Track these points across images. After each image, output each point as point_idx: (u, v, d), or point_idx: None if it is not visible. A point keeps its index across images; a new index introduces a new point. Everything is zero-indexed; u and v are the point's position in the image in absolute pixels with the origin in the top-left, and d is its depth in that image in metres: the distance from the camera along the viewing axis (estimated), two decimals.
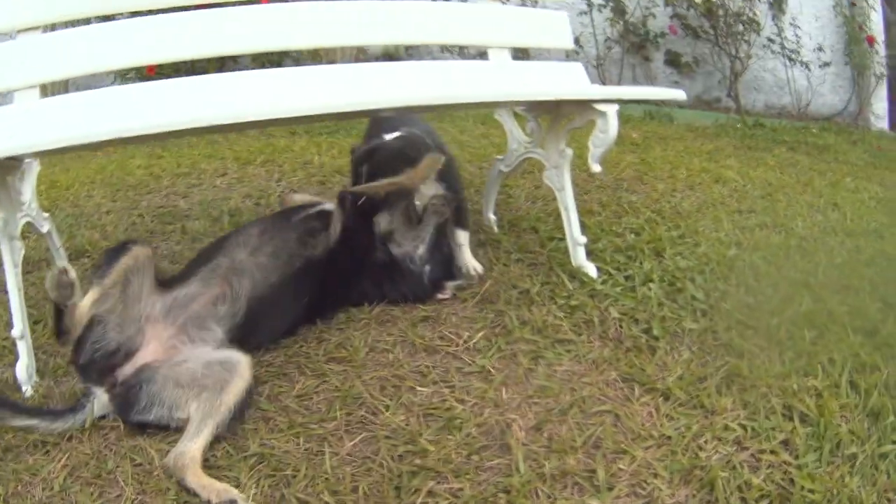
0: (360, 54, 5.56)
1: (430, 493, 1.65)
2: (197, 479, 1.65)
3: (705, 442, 1.83)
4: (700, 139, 5.25)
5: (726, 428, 1.88)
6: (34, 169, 2.50)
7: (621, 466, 1.73)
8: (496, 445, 1.79)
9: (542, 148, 2.67)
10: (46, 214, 2.49)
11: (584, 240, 2.58)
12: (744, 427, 1.90)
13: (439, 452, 1.74)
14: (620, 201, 3.40)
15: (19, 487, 1.70)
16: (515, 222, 3.10)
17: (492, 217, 3.02)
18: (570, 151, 2.59)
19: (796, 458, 1.82)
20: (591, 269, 2.54)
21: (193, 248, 2.92)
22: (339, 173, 3.78)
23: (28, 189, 2.34)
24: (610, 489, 1.67)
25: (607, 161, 3.06)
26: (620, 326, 2.26)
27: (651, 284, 2.50)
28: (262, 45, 2.85)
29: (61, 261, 2.55)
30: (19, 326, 2.02)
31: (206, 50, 2.64)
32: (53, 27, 2.59)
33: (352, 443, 1.78)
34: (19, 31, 2.39)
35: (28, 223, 2.31)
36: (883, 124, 7.05)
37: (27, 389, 2.00)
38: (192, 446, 1.71)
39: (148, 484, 1.68)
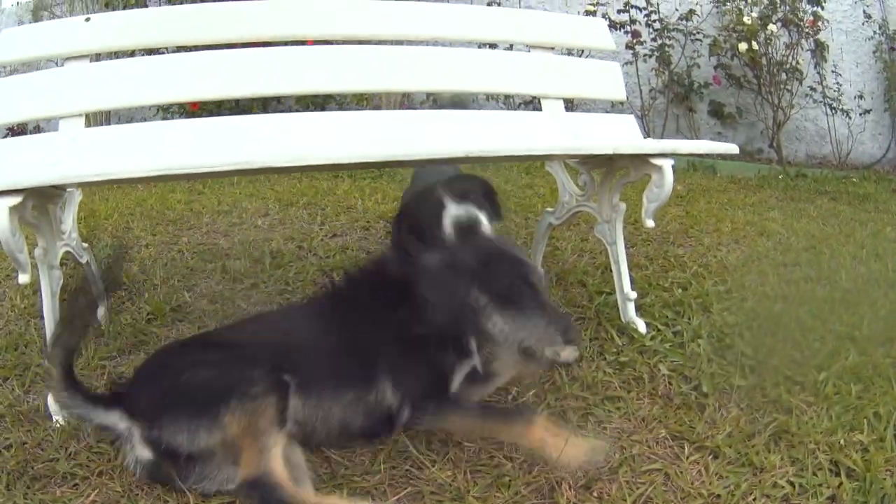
0: (405, 100, 5.61)
1: None
2: None
3: (754, 499, 1.79)
4: (743, 191, 5.24)
5: (775, 485, 1.84)
6: (76, 198, 2.53)
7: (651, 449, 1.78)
8: None
9: (595, 201, 2.65)
10: (86, 245, 2.51)
11: (634, 295, 2.56)
12: (791, 484, 1.87)
13: None
14: (667, 255, 3.38)
15: None
16: (563, 275, 3.08)
17: (540, 271, 3.02)
18: (623, 206, 2.57)
19: None
20: (640, 325, 2.51)
21: (234, 288, 2.95)
22: (382, 218, 3.82)
23: (69, 218, 2.38)
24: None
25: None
26: (670, 383, 2.23)
27: (700, 340, 2.47)
28: (308, 86, 2.86)
29: (97, 289, 2.55)
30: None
31: (251, 89, 2.67)
32: (98, 57, 2.64)
33: (396, 497, 1.74)
34: (66, 60, 2.45)
35: (67, 252, 2.33)
36: None
37: (58, 420, 1.97)
38: None
39: None
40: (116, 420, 1.72)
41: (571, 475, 1.78)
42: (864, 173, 6.59)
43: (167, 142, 2.45)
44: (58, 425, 1.96)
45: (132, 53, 2.73)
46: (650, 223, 2.45)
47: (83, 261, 2.48)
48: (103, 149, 2.36)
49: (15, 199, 1.81)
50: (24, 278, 1.93)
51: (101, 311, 2.53)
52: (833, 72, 6.99)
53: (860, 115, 7.08)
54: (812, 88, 6.87)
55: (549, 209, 2.94)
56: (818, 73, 6.89)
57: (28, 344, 2.44)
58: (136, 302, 2.76)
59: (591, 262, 3.14)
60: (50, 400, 1.97)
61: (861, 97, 7.07)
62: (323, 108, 2.77)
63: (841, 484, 1.86)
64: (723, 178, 5.71)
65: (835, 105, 6.89)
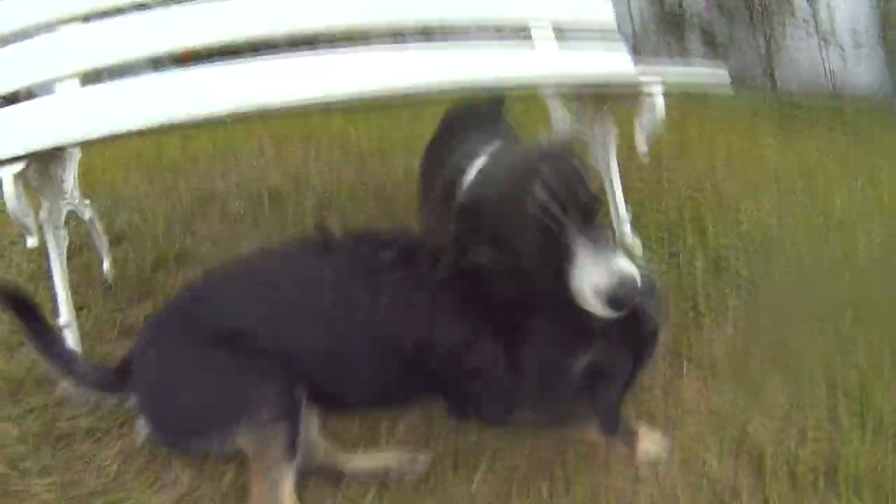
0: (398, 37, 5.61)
1: None
2: None
3: (753, 417, 1.87)
4: (737, 119, 5.25)
5: (773, 404, 1.92)
6: (75, 157, 2.53)
7: (675, 440, 1.77)
8: None
9: (588, 128, 2.69)
10: (87, 201, 2.52)
11: (629, 216, 2.62)
12: (790, 402, 1.93)
13: None
14: (661, 179, 3.39)
15: (75, 475, 1.72)
16: None
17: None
18: (615, 129, 2.60)
19: (841, 434, 1.84)
20: (636, 244, 2.58)
21: (235, 229, 2.97)
22: (378, 152, 3.83)
23: (70, 177, 2.38)
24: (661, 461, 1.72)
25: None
26: (667, 301, 2.28)
27: (696, 261, 2.53)
28: (296, 26, 2.82)
29: (101, 246, 2.59)
30: (66, 316, 2.05)
31: (240, 33, 2.66)
32: (87, 18, 2.62)
33: None
34: (59, 23, 2.43)
35: (70, 211, 2.35)
36: None
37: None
38: None
39: (203, 469, 1.70)
40: (125, 400, 1.71)
41: None
42: (860, 105, 6.54)
43: (165, 92, 2.44)
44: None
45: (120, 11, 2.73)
46: (644, 149, 2.48)
47: (86, 217, 2.50)
48: (102, 106, 2.33)
49: (19, 166, 1.82)
50: (32, 241, 1.95)
51: (105, 266, 2.58)
52: (826, 5, 6.97)
53: (854, 48, 7.06)
54: (805, 21, 6.84)
55: (545, 135, 2.97)
56: (810, 6, 6.85)
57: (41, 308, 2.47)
58: (140, 252, 2.77)
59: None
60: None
61: (854, 31, 7.05)
62: (314, 47, 2.74)
63: (838, 405, 1.92)
64: (716, 105, 5.67)
65: (828, 37, 6.86)
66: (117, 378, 1.69)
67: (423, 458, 1.68)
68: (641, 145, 2.47)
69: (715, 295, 2.34)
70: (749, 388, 1.97)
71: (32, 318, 1.69)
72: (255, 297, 1.70)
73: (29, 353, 2.11)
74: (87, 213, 2.49)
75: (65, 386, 1.75)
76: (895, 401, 1.95)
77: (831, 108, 6.25)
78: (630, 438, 1.71)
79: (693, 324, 2.14)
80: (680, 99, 5.72)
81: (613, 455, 1.72)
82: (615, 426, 1.68)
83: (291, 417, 1.55)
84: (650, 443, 1.73)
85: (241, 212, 3.14)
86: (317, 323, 1.66)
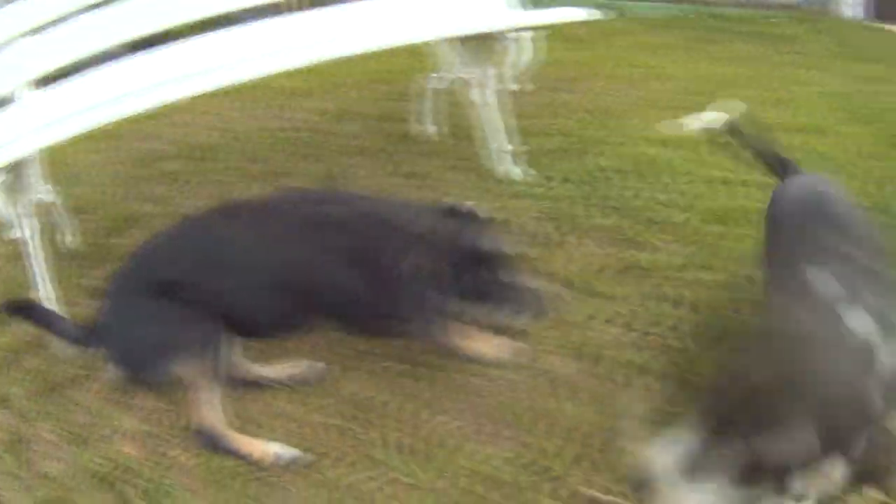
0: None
1: None
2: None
3: (597, 324, 2.23)
4: (650, 32, 5.35)
5: (617, 313, 2.27)
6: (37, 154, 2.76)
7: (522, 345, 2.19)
8: None
9: (468, 68, 3.02)
10: (49, 187, 2.80)
11: (509, 147, 2.95)
12: (634, 312, 2.27)
13: None
14: (555, 102, 3.71)
15: (69, 416, 2.15)
16: (455, 130, 3.47)
17: (432, 128, 3.44)
18: (493, 71, 2.93)
19: (681, 342, 2.15)
20: (516, 173, 2.92)
21: (174, 188, 3.33)
22: (297, 96, 4.07)
23: (35, 170, 2.64)
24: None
25: (550, 60, 3.26)
26: (537, 224, 2.65)
27: (569, 184, 2.89)
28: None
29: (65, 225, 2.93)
30: (44, 289, 2.44)
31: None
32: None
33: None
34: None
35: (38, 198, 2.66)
36: (855, 12, 6.66)
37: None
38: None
39: (161, 396, 2.14)
40: (99, 349, 2.13)
41: None
42: (792, 13, 6.46)
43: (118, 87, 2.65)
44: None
45: None
46: (515, 87, 2.85)
47: (50, 200, 2.81)
48: (66, 109, 2.54)
49: (2, 177, 2.22)
50: (16, 232, 2.35)
51: (68, 238, 2.94)
52: None
53: None
54: None
55: (433, 75, 3.32)
56: None
57: (22, 284, 2.69)
58: (94, 219, 3.14)
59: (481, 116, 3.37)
60: None
61: None
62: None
63: (682, 316, 2.23)
64: (630, 19, 5.73)
65: None
66: (91, 333, 2.13)
67: (321, 366, 2.16)
68: (512, 83, 2.84)
69: (582, 216, 2.71)
70: (600, 300, 2.32)
71: (28, 308, 2.18)
72: (186, 253, 2.15)
73: (17, 326, 2.49)
74: (50, 197, 2.80)
75: (56, 345, 2.27)
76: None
77: (758, 17, 6.18)
78: (484, 340, 2.17)
79: (555, 242, 2.51)
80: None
81: (472, 356, 2.14)
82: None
83: (215, 348, 2.01)
84: (495, 345, 2.16)
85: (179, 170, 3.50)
86: (237, 269, 2.10)
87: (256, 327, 2.16)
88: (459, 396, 2.05)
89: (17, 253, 2.88)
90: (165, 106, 4.29)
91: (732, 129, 1.77)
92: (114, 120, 2.40)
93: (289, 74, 4.39)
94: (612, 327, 2.24)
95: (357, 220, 2.11)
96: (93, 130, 4.15)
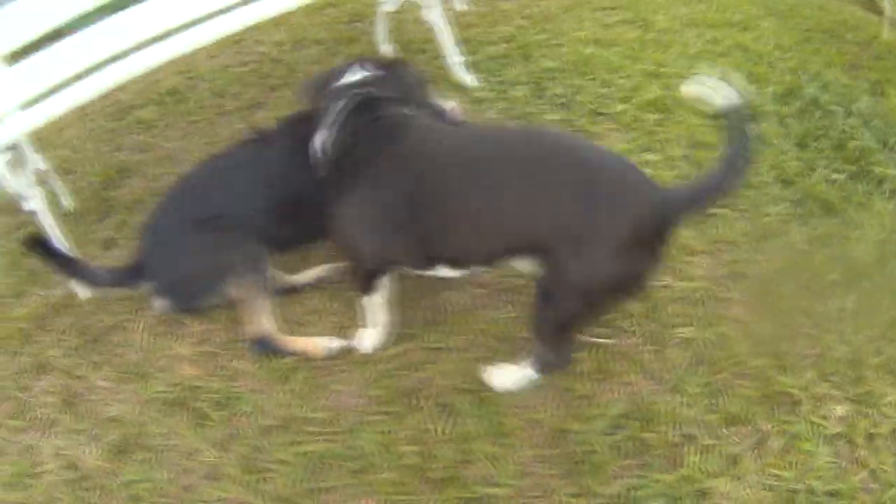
0: None
1: None
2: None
3: None
4: None
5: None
6: None
7: None
8: None
9: None
10: (39, 157, 2.92)
11: (460, 59, 3.27)
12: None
13: None
14: (495, 10, 3.99)
15: (120, 359, 2.44)
16: (407, 45, 3.77)
17: (388, 47, 3.74)
18: None
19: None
20: (469, 80, 3.25)
21: (153, 134, 3.54)
22: (250, 30, 4.06)
23: (27, 144, 2.74)
24: None
25: None
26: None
27: (519, 86, 3.25)
28: None
29: (59, 189, 3.11)
30: (66, 247, 2.63)
31: None
32: None
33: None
34: None
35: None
36: None
37: (85, 294, 2.64)
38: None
39: (210, 318, 2.50)
40: (142, 287, 2.48)
41: None
42: None
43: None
44: (86, 298, 2.67)
45: None
46: (462, 6, 3.18)
47: (43, 168, 2.96)
48: (48, 78, 2.63)
49: (8, 155, 2.42)
50: (30, 205, 2.55)
51: (64, 200, 3.14)
52: None
53: None
54: None
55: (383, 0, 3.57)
56: None
57: (25, 255, 2.79)
58: (85, 177, 3.35)
59: (430, 31, 3.56)
60: (73, 284, 2.64)
61: None
62: None
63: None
64: None
65: None
66: (130, 274, 2.48)
67: (342, 265, 2.56)
68: (459, 3, 3.17)
69: (535, 114, 3.11)
70: None
71: (50, 251, 2.43)
72: (220, 187, 2.50)
73: (33, 295, 2.76)
74: (43, 165, 2.96)
75: (88, 291, 2.54)
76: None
77: None
78: None
79: None
80: None
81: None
82: None
83: (259, 267, 2.40)
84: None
85: (153, 116, 3.68)
86: (263, 194, 2.46)
87: (288, 238, 2.56)
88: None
89: (20, 222, 3.13)
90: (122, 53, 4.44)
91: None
92: (114, 85, 2.65)
93: None
94: None
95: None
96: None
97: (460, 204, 1.81)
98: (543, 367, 2.08)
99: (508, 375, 2.15)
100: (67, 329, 2.60)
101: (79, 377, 2.43)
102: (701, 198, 1.74)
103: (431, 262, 1.98)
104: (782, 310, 2.33)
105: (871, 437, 2.00)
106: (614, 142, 2.98)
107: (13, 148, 2.51)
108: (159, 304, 2.50)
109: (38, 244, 2.41)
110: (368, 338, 2.33)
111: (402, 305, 2.41)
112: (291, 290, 2.55)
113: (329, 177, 2.08)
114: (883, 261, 2.48)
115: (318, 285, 2.55)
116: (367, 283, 2.16)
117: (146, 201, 3.09)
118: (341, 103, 2.05)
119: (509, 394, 2.15)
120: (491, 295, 2.44)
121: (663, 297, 2.37)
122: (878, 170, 2.84)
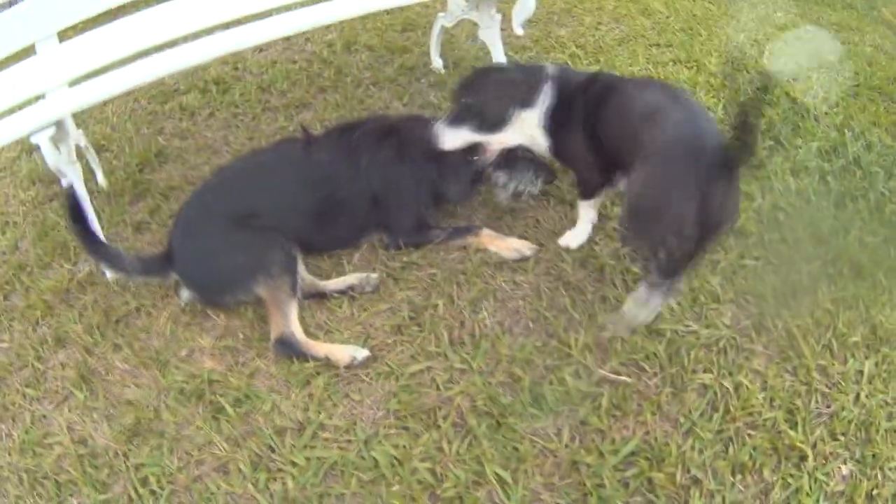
0: None
1: None
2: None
3: (599, 239, 2.74)
4: None
5: (615, 229, 2.74)
6: None
7: (542, 255, 2.69)
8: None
9: (477, 10, 3.40)
10: (80, 132, 3.03)
11: None
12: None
13: None
14: (549, 36, 4.06)
15: (141, 343, 2.50)
16: (458, 62, 3.84)
17: (439, 61, 3.81)
18: (499, 16, 3.32)
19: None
20: None
21: (195, 121, 3.62)
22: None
23: (70, 119, 2.80)
24: (532, 270, 2.64)
25: None
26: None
27: None
28: None
29: (96, 167, 3.19)
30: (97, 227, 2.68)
31: None
32: None
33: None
34: None
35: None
36: None
37: (111, 274, 2.69)
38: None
39: (234, 312, 2.55)
40: (172, 277, 2.55)
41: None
42: None
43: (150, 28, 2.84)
44: (112, 278, 2.71)
45: None
46: (520, 31, 3.24)
47: (83, 145, 3.04)
48: (95, 58, 2.70)
49: (51, 131, 2.47)
50: (66, 182, 2.61)
51: (99, 177, 3.21)
52: None
53: None
54: None
55: (442, 14, 3.66)
56: None
57: (53, 227, 3.07)
58: (122, 157, 3.44)
59: (482, 48, 3.74)
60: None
61: None
62: None
63: None
64: None
65: None
66: (160, 263, 2.54)
67: (375, 276, 2.62)
68: (517, 28, 3.24)
69: None
70: (598, 219, 2.78)
71: (85, 231, 2.48)
72: (258, 185, 2.59)
73: (61, 265, 2.85)
74: (83, 142, 3.05)
75: (116, 277, 2.60)
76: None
77: None
78: (503, 240, 2.70)
79: (560, 169, 2.91)
80: None
81: (497, 264, 2.65)
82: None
83: (291, 268, 2.46)
84: (516, 242, 2.70)
85: (196, 104, 3.76)
86: (304, 197, 2.58)
87: (322, 244, 2.68)
88: (494, 297, 2.56)
89: (39, 199, 3.27)
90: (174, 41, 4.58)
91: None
92: (163, 74, 2.72)
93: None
94: (612, 242, 2.73)
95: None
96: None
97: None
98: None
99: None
100: (91, 306, 2.66)
101: (98, 356, 2.49)
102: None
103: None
104: (800, 365, 2.34)
105: (871, 498, 2.03)
106: None
107: (57, 123, 2.57)
108: (186, 294, 2.56)
109: (77, 221, 2.46)
110: (575, 237, 2.70)
111: (432, 325, 2.47)
112: (320, 296, 2.59)
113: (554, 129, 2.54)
114: None
115: (347, 293, 2.59)
116: (589, 190, 2.61)
117: (182, 188, 3.16)
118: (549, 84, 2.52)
119: (525, 421, 2.18)
120: (520, 322, 2.47)
121: (687, 341, 2.38)
122: None
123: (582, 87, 2.49)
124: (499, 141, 2.61)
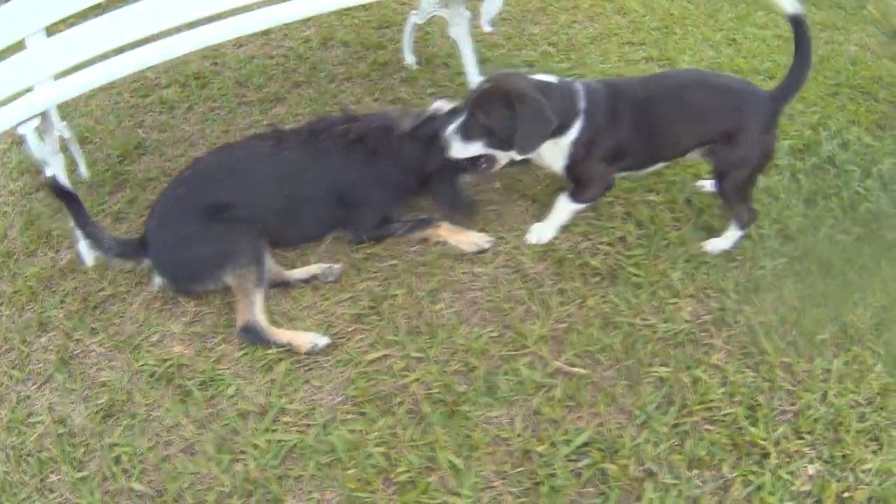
0: None
1: None
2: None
3: (559, 233, 2.80)
4: None
5: (575, 224, 2.82)
6: None
7: (501, 248, 2.77)
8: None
9: (447, 8, 3.48)
10: (64, 123, 3.08)
11: (480, 78, 3.30)
12: (590, 224, 2.83)
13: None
14: (523, 34, 4.11)
15: (116, 329, 2.60)
16: (431, 59, 3.91)
17: (411, 58, 3.89)
18: (468, 13, 3.39)
19: (627, 250, 2.73)
20: None
21: (174, 115, 3.69)
22: (281, 26, 4.35)
23: (54, 111, 2.83)
24: (491, 262, 2.72)
25: None
26: None
27: None
28: None
29: (79, 158, 3.26)
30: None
31: None
32: None
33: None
34: None
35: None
36: None
37: (90, 262, 2.81)
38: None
39: (203, 300, 2.65)
40: (145, 263, 2.65)
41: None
42: None
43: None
44: (91, 265, 2.83)
45: None
46: (488, 28, 3.33)
47: (66, 136, 3.11)
48: (82, 50, 2.79)
49: (36, 122, 2.57)
50: (50, 171, 2.68)
51: (82, 168, 3.29)
52: None
53: None
54: None
55: (414, 11, 3.74)
56: None
57: (39, 216, 3.17)
58: (104, 149, 3.52)
59: (454, 48, 3.73)
60: (80, 249, 2.80)
61: None
62: None
63: (630, 230, 2.80)
64: None
65: None
66: (135, 248, 2.64)
67: (338, 267, 2.72)
68: (485, 26, 3.32)
69: None
70: None
71: (75, 204, 2.59)
72: (233, 178, 2.68)
73: (45, 253, 2.95)
74: (67, 133, 3.12)
75: (98, 256, 2.70)
76: (684, 232, 2.77)
77: None
78: (462, 233, 2.78)
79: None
80: None
81: (457, 256, 2.73)
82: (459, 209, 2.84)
83: (260, 259, 2.56)
84: (475, 236, 2.77)
85: (176, 98, 3.84)
86: (272, 193, 2.68)
87: (290, 237, 2.78)
88: (452, 289, 2.65)
89: (26, 189, 3.37)
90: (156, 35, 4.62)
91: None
92: (145, 66, 2.81)
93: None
94: (572, 236, 2.82)
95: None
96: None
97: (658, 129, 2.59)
98: (744, 224, 2.73)
99: (726, 241, 2.76)
100: (71, 292, 2.77)
101: (76, 340, 2.60)
102: (789, 92, 2.54)
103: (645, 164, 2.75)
104: (763, 361, 2.38)
105: (842, 501, 2.03)
106: (620, 179, 3.04)
107: (42, 115, 2.66)
108: (158, 281, 2.66)
109: (63, 192, 2.59)
110: (543, 231, 2.79)
111: (391, 315, 2.56)
112: (285, 285, 2.68)
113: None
114: (881, 328, 2.51)
115: (310, 282, 2.68)
116: (590, 197, 2.73)
117: (159, 180, 3.26)
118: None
119: (479, 410, 2.26)
120: (477, 313, 2.56)
121: (644, 335, 2.45)
122: (890, 235, 2.87)
123: (620, 96, 2.58)
124: (511, 156, 2.61)
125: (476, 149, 2.51)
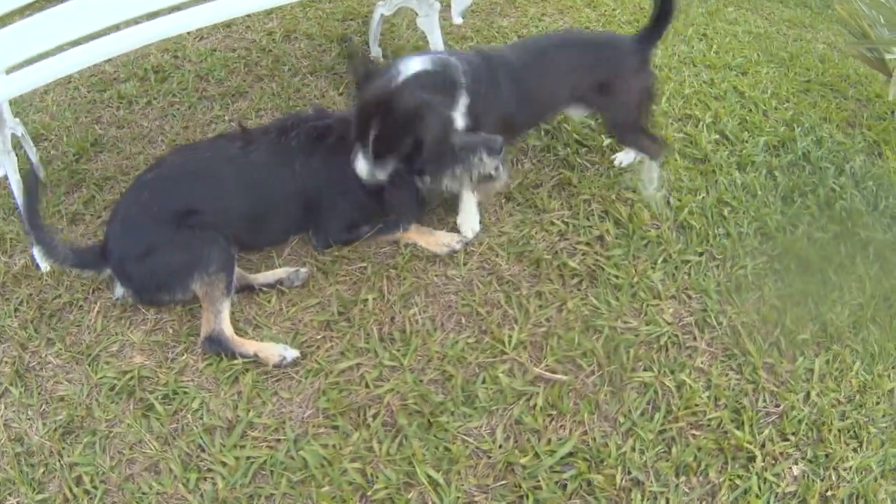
0: None
1: None
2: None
3: (535, 233, 2.75)
4: None
5: (552, 223, 2.78)
6: None
7: (475, 249, 2.71)
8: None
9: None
10: (17, 120, 2.97)
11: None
12: (567, 224, 2.78)
13: None
14: (492, 26, 4.06)
15: (73, 338, 2.49)
16: (398, 50, 3.82)
17: (378, 50, 3.80)
18: (438, 4, 3.30)
19: (606, 250, 2.70)
20: None
21: (133, 110, 3.55)
22: (245, 18, 4.25)
23: (6, 109, 2.80)
24: (465, 264, 2.65)
25: None
26: None
27: None
28: None
29: (33, 156, 3.12)
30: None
31: None
32: None
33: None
34: None
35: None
36: None
37: (45, 267, 2.68)
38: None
39: (161, 309, 2.54)
40: (106, 272, 2.53)
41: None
42: None
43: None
44: (46, 271, 2.70)
45: None
46: (458, 20, 3.25)
47: (19, 134, 2.99)
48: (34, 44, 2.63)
49: None
50: (1, 171, 2.57)
51: (37, 170, 3.14)
52: None
53: None
54: None
55: (381, 2, 3.63)
56: None
57: (5, 219, 2.99)
58: (60, 146, 3.38)
59: (422, 36, 3.61)
60: (34, 253, 2.68)
61: None
62: None
63: (608, 229, 2.77)
64: None
65: None
66: (93, 258, 2.51)
67: (304, 271, 2.63)
68: (456, 18, 3.24)
69: (518, 139, 3.13)
70: (535, 212, 2.82)
71: (31, 203, 2.46)
72: (200, 182, 2.56)
73: None
74: (20, 130, 3.00)
75: (52, 265, 2.59)
76: (663, 230, 2.75)
77: None
78: (432, 234, 2.71)
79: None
80: None
81: (429, 258, 2.66)
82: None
83: (228, 267, 2.45)
84: (445, 237, 2.70)
85: (134, 92, 3.70)
86: (240, 197, 2.56)
87: (257, 241, 2.69)
88: (426, 292, 2.58)
89: None
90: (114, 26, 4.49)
91: None
92: (100, 60, 2.69)
93: None
94: (549, 236, 2.77)
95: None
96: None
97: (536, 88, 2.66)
98: (655, 154, 2.86)
99: (654, 176, 2.94)
100: (26, 300, 2.64)
101: (32, 351, 2.48)
102: (656, 35, 2.78)
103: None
104: (746, 363, 2.38)
105: (826, 499, 2.06)
106: (594, 175, 3.04)
107: None
108: (120, 291, 2.54)
109: (29, 197, 2.49)
110: (469, 220, 2.75)
111: (362, 321, 2.48)
112: (249, 289, 2.59)
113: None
114: (858, 325, 2.54)
115: (276, 287, 2.59)
116: None
117: (117, 179, 3.13)
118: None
119: (458, 421, 2.20)
120: (452, 318, 2.49)
121: (626, 338, 2.42)
122: (864, 233, 2.90)
123: (495, 65, 2.61)
124: None
125: (390, 167, 2.44)
